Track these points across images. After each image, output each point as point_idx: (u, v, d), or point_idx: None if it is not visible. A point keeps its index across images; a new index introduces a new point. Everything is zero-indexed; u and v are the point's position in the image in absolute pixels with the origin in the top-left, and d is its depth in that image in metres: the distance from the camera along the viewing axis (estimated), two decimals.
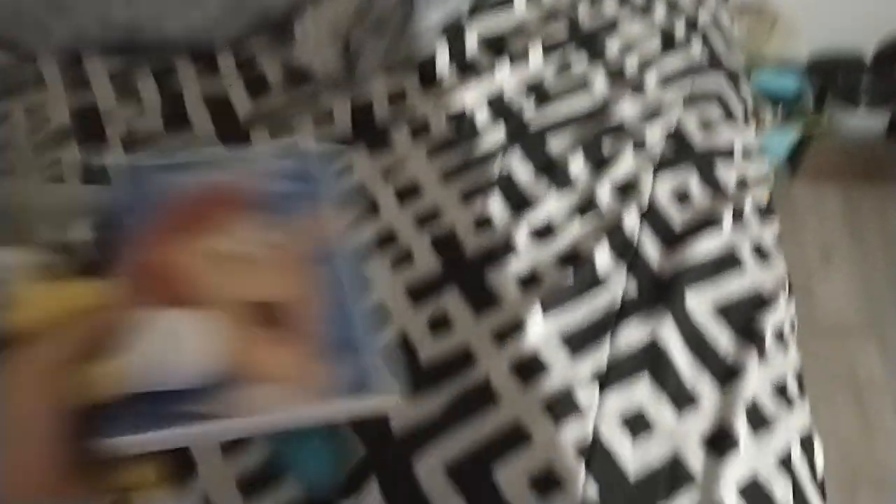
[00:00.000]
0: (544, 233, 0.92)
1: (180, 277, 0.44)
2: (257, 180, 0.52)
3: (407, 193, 0.95)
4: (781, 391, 0.83)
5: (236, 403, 0.40)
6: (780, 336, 0.88)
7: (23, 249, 0.41)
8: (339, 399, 0.43)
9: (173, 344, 0.39)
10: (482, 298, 0.85)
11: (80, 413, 0.37)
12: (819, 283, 1.92)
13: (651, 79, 1.14)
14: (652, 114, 1.09)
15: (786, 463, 0.77)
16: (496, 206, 0.94)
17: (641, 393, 0.79)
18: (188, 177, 0.52)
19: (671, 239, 0.93)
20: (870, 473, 1.57)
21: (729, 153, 1.06)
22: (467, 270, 0.87)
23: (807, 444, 0.81)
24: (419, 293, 0.85)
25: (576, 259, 0.89)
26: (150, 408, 0.38)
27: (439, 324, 0.83)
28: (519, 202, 0.95)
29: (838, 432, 1.61)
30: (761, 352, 0.83)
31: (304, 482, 0.46)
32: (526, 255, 0.89)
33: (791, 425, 0.80)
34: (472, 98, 1.07)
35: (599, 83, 1.12)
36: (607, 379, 0.79)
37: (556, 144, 1.03)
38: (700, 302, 0.86)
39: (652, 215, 0.95)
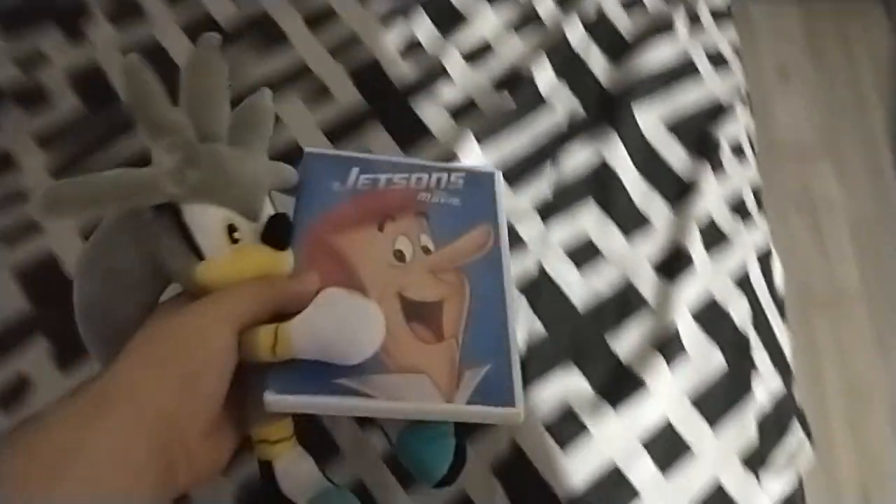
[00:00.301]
0: (479, 54, 0.82)
1: (352, 263, 0.51)
2: (431, 190, 0.58)
3: (318, 19, 0.82)
4: (738, 207, 0.77)
5: (384, 387, 0.45)
6: (737, 149, 0.81)
7: (220, 210, 0.42)
8: (470, 404, 0.46)
9: (337, 320, 0.41)
10: (410, 133, 0.76)
11: (248, 365, 0.41)
12: (776, 102, 1.85)
13: None
14: None
15: (743, 282, 0.73)
16: (423, 27, 0.82)
17: (588, 220, 0.72)
18: (375, 174, 0.58)
19: (621, 49, 0.84)
20: (824, 293, 1.60)
21: None
22: (393, 103, 0.77)
23: (765, 262, 0.77)
24: (338, 132, 0.75)
25: (515, 80, 0.79)
26: (309, 375, 0.43)
27: None
28: (449, 21, 0.84)
29: (794, 252, 1.61)
30: (717, 165, 0.77)
31: (419, 472, 0.48)
32: (459, 81, 0.79)
33: (748, 242, 0.76)
34: None
35: None
36: (550, 209, 0.72)
37: None
38: (652, 117, 0.79)
39: (599, 25, 0.85)
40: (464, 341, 0.50)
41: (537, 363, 0.64)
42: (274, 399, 0.42)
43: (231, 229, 0.42)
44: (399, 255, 0.53)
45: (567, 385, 0.64)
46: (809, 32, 1.96)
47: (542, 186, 0.73)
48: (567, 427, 0.62)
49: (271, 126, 0.48)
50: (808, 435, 0.71)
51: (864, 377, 1.48)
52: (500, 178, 0.62)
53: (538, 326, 0.66)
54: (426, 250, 0.54)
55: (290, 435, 0.46)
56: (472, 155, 0.72)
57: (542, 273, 0.69)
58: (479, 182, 0.60)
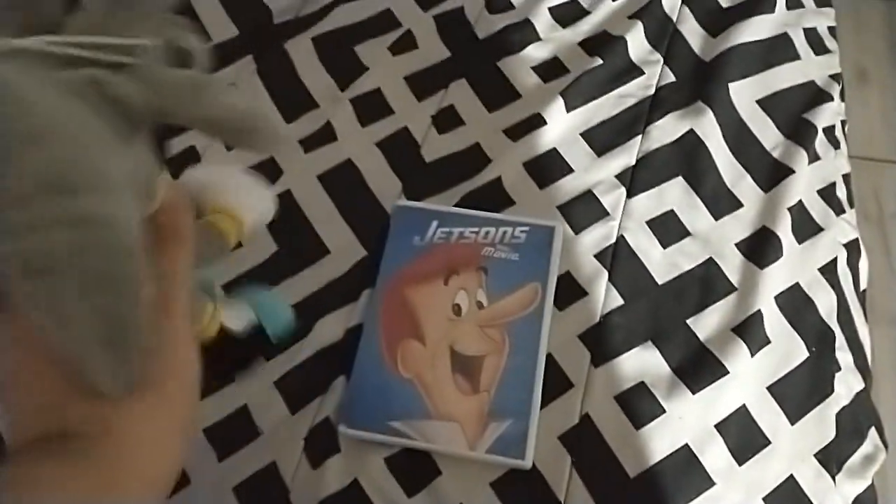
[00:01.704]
0: (569, 13, 0.79)
1: (418, 315, 0.62)
2: (495, 244, 0.64)
3: None
4: (830, 196, 0.73)
5: (423, 431, 0.57)
6: (831, 135, 0.77)
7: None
8: (489, 453, 0.57)
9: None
10: (496, 92, 0.73)
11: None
12: (852, 104, 1.77)
13: None
14: None
15: (830, 274, 0.69)
16: None
17: (674, 194, 0.69)
18: (450, 227, 0.65)
19: (716, 19, 0.80)
20: (887, 308, 1.53)
21: None
22: (479, 57, 0.75)
23: (852, 256, 0.73)
24: (423, 83, 0.73)
25: (605, 44, 0.76)
26: (372, 413, 0.58)
27: (446, 118, 0.72)
28: None
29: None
30: (811, 151, 0.73)
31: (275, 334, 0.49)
32: (547, 39, 0.76)
33: (838, 234, 0.72)
34: None
35: None
36: (635, 180, 0.69)
37: None
38: (747, 93, 0.75)
39: None
40: (494, 395, 0.58)
41: (613, 335, 0.62)
42: (346, 431, 0.57)
43: None
44: (456, 310, 0.62)
45: (644, 361, 0.61)
46: (892, 33, 1.88)
47: (627, 154, 0.70)
48: (642, 404, 0.59)
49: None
50: (884, 442, 0.67)
51: None
52: (559, 231, 0.65)
53: (615, 297, 0.63)
54: (480, 305, 0.62)
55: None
56: (559, 118, 0.70)
57: (623, 243, 0.66)
58: (539, 236, 0.65)
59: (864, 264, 0.75)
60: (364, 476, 0.57)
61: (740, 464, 0.59)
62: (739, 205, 0.70)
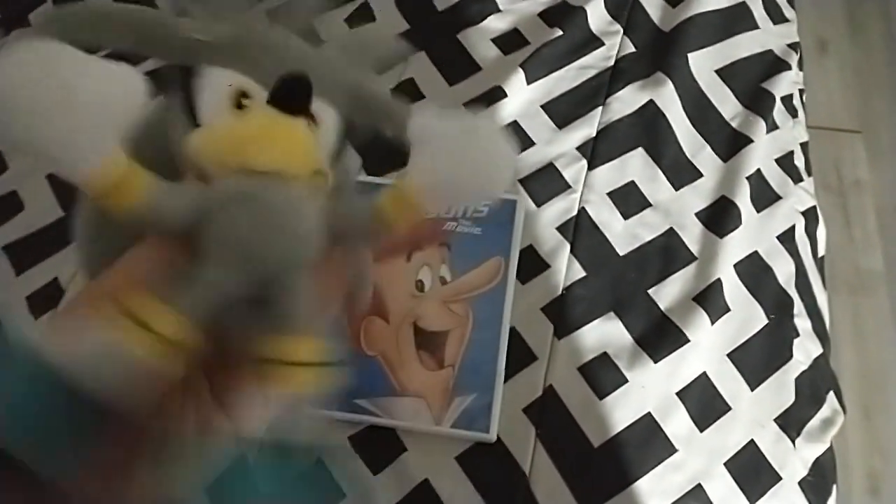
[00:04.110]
0: None
1: (381, 291, 0.61)
2: (457, 218, 0.63)
3: None
4: (788, 165, 0.74)
5: (389, 408, 0.58)
6: (789, 104, 0.77)
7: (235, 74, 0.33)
8: (454, 427, 0.57)
9: (466, 159, 0.33)
10: (455, 63, 0.72)
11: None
12: (812, 76, 1.79)
13: None
14: None
15: (789, 242, 0.70)
16: None
17: (634, 166, 0.69)
18: None
19: None
20: (847, 276, 1.56)
21: None
22: (438, 29, 0.74)
23: (810, 224, 0.74)
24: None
25: (565, 14, 0.75)
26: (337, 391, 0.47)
27: (406, 92, 0.71)
28: None
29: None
30: (770, 121, 0.73)
31: None
32: (507, 11, 0.75)
33: (796, 202, 0.73)
34: None
35: None
36: (596, 152, 0.69)
37: None
38: (706, 64, 0.75)
39: None
40: (459, 370, 0.59)
41: (576, 307, 0.62)
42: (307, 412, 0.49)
43: (241, 96, 0.30)
44: (419, 286, 0.62)
45: (606, 332, 0.61)
46: (851, 4, 1.90)
47: (588, 126, 0.70)
48: (605, 374, 0.60)
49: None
50: (842, 406, 0.69)
51: (880, 363, 1.46)
52: (521, 205, 0.65)
53: (577, 269, 0.64)
54: (443, 280, 0.62)
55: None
56: (519, 90, 0.69)
57: (585, 215, 0.66)
58: (502, 210, 0.64)
59: (821, 232, 0.76)
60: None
61: (702, 430, 0.60)
62: (699, 175, 0.70)
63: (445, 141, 0.30)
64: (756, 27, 0.79)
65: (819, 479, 0.62)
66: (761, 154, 0.71)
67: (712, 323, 0.63)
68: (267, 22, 0.34)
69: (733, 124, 0.73)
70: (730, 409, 0.61)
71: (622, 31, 0.76)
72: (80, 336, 0.23)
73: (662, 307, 0.63)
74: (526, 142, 0.69)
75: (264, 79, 0.30)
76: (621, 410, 0.58)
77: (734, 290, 0.65)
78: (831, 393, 0.68)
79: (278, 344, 0.28)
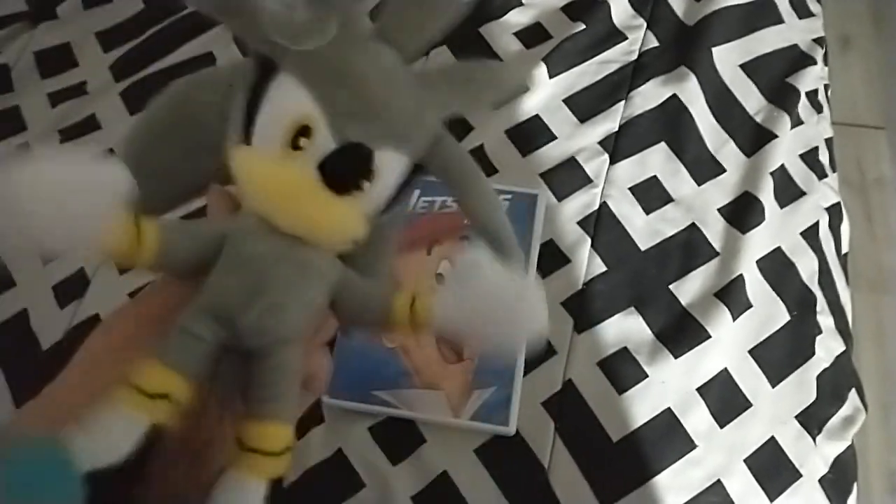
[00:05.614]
0: None
1: (403, 285, 0.55)
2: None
3: None
4: (812, 161, 0.73)
5: (408, 400, 0.58)
6: (814, 99, 0.77)
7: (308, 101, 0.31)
8: (473, 420, 0.57)
9: (489, 299, 0.31)
10: (477, 56, 0.72)
11: None
12: (834, 71, 1.77)
13: None
14: None
15: (812, 238, 0.69)
16: None
17: (656, 161, 0.69)
18: (432, 196, 0.64)
19: None
20: (868, 274, 1.54)
21: None
22: (460, 23, 0.73)
23: (834, 221, 0.73)
24: None
25: (588, 8, 0.75)
26: (355, 384, 0.58)
27: None
28: None
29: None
30: (794, 116, 0.73)
31: None
32: (529, 4, 0.75)
33: (820, 198, 0.72)
34: None
35: None
36: (618, 146, 0.69)
37: None
38: (730, 58, 0.74)
39: None
40: (478, 363, 0.59)
41: (596, 301, 0.62)
42: (330, 402, 0.58)
43: (302, 132, 0.28)
44: (440, 280, 0.61)
45: (626, 327, 0.61)
46: None
47: (610, 121, 0.70)
48: (624, 369, 0.59)
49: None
50: (864, 403, 0.68)
51: None
52: (542, 199, 0.64)
53: (598, 263, 0.63)
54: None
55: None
56: (540, 83, 0.69)
57: (606, 210, 0.66)
58: (522, 204, 0.64)
59: (845, 228, 0.76)
60: (348, 445, 0.57)
61: (722, 426, 0.59)
62: (722, 170, 0.69)
63: (481, 293, 0.29)
64: (781, 21, 0.78)
65: (840, 476, 0.61)
66: (785, 149, 0.71)
67: (734, 319, 0.62)
68: (368, 32, 0.31)
69: (757, 119, 0.72)
70: (750, 405, 0.61)
71: (645, 24, 0.75)
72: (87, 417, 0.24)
73: (684, 302, 0.63)
74: (548, 136, 0.69)
75: (334, 110, 0.28)
76: (641, 405, 0.58)
77: (756, 286, 0.65)
78: (853, 391, 0.67)
79: (257, 431, 0.27)
